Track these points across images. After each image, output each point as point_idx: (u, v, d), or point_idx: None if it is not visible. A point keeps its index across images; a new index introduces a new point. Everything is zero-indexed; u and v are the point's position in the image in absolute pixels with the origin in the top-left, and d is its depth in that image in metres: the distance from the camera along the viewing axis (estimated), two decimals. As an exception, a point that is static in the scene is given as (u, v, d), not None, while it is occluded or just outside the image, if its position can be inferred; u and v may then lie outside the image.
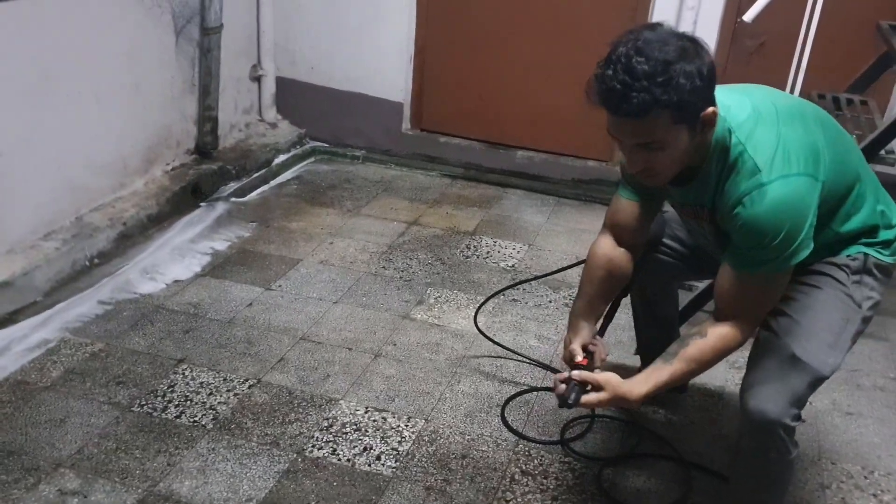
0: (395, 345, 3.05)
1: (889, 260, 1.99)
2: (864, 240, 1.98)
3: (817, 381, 1.90)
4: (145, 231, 3.74)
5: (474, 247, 3.86)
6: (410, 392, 2.80)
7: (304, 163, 4.74)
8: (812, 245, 1.81)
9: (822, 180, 1.80)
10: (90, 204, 3.66)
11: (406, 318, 3.22)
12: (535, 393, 2.83)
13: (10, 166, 3.19)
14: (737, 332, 1.88)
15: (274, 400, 2.72)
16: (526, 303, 3.39)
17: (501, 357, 3.01)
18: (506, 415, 2.71)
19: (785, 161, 1.76)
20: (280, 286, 3.40)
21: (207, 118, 4.32)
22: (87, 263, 3.44)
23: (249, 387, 2.77)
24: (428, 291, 3.43)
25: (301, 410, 2.68)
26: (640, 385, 1.92)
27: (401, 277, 3.53)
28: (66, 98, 3.41)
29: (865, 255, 1.97)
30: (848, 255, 1.97)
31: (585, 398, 1.95)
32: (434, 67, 4.68)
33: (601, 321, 2.28)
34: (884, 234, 1.99)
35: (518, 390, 2.83)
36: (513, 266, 3.69)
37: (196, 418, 2.61)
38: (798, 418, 1.89)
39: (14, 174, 3.22)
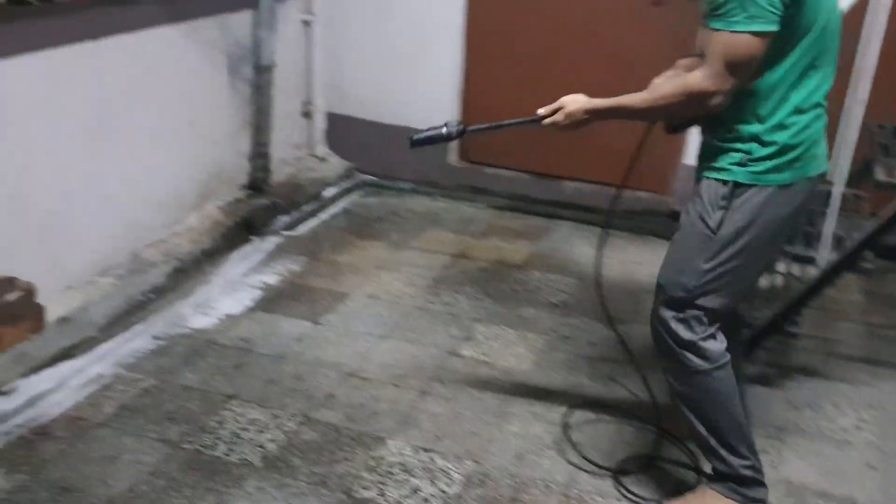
0: (442, 382, 3.03)
1: (749, 180, 2.08)
2: (741, 147, 2.08)
3: (672, 301, 2.20)
4: (199, 266, 3.80)
5: (523, 281, 3.83)
6: (459, 432, 2.77)
7: (352, 196, 4.79)
8: (754, 24, 1.90)
9: None
10: (146, 240, 3.75)
11: (454, 355, 3.21)
12: (596, 416, 2.78)
13: (70, 204, 3.29)
14: (696, 74, 2.02)
15: (322, 438, 2.72)
16: (578, 340, 3.35)
17: (552, 390, 2.97)
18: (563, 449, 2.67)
19: None
20: (328, 320, 3.42)
21: (260, 154, 4.40)
22: (142, 298, 3.50)
23: (298, 424, 2.78)
24: (476, 327, 3.41)
25: (348, 449, 2.67)
26: (593, 99, 2.22)
27: (448, 312, 3.52)
28: (123, 137, 3.50)
29: (726, 181, 2.10)
30: (716, 177, 2.12)
31: (544, 109, 2.29)
32: (481, 100, 4.69)
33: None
34: (759, 149, 2.07)
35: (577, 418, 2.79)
36: (563, 301, 3.65)
37: (245, 456, 2.62)
38: (675, 332, 2.20)
39: (74, 212, 3.31)
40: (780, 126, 2.05)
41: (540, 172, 4.72)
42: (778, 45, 1.97)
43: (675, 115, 2.18)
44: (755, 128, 2.06)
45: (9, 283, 2.96)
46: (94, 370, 3.02)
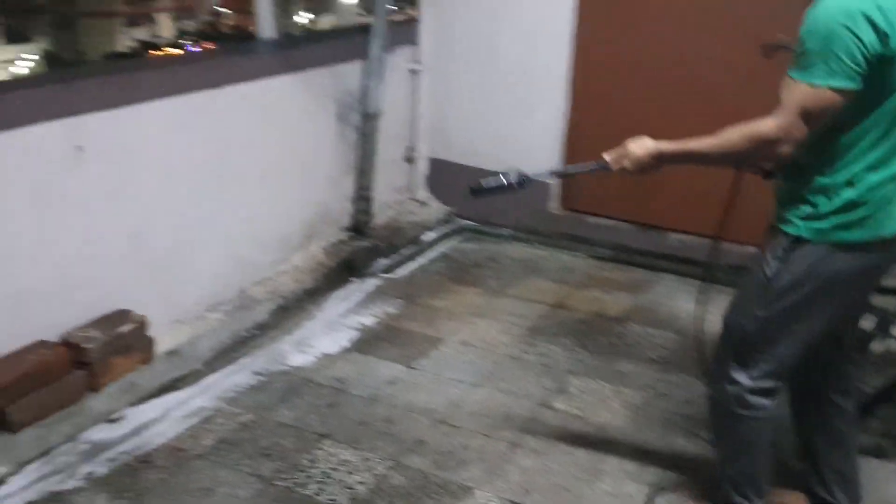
0: (533, 435, 2.99)
1: (811, 236, 2.06)
2: (809, 198, 2.05)
3: (732, 341, 2.23)
4: (301, 304, 3.91)
5: (622, 334, 3.76)
6: (548, 486, 2.72)
7: (452, 241, 4.83)
8: (833, 79, 1.87)
9: (874, 5, 1.84)
10: (253, 277, 3.89)
11: (546, 407, 3.16)
12: (689, 479, 2.68)
13: (185, 243, 3.46)
14: (767, 121, 1.98)
15: (410, 483, 2.72)
16: (676, 398, 3.25)
17: (646, 449, 2.88)
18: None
19: None
20: (422, 365, 3.44)
21: (363, 197, 4.52)
22: (246, 334, 3.63)
23: (387, 468, 2.80)
24: (570, 380, 3.36)
25: (436, 497, 2.66)
26: (660, 142, 2.20)
27: (542, 363, 3.48)
28: (237, 179, 3.67)
29: (790, 234, 2.09)
30: (781, 227, 2.12)
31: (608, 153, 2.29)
32: (584, 148, 4.66)
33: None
34: (826, 203, 2.03)
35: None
36: (662, 357, 3.56)
37: (334, 497, 2.65)
38: (728, 371, 2.23)
39: (188, 250, 3.48)
40: (849, 182, 2.02)
41: (643, 223, 4.64)
42: (859, 103, 1.93)
43: (744, 160, 2.18)
44: (825, 180, 2.03)
45: (123, 315, 3.13)
46: (196, 403, 3.14)
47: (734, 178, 2.33)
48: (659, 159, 2.22)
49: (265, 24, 4.17)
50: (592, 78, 4.56)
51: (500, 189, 2.52)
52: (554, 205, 4.84)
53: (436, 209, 5.08)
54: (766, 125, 1.98)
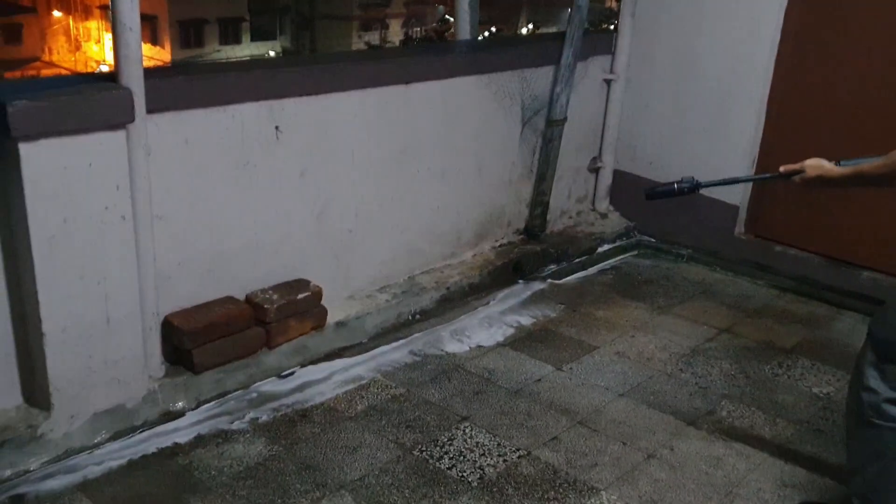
0: (672, 450, 2.94)
1: None
2: None
3: (875, 347, 2.21)
4: (464, 297, 4.08)
5: (787, 365, 3.57)
6: (676, 501, 2.67)
7: (627, 255, 4.79)
8: None
9: None
10: (423, 267, 4.11)
11: (691, 426, 3.09)
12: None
13: (364, 226, 3.73)
14: None
15: (538, 474, 2.78)
16: (832, 437, 3.05)
17: (789, 482, 2.75)
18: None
19: None
20: (571, 368, 3.48)
21: (539, 203, 4.61)
22: (410, 317, 3.85)
23: (519, 457, 2.87)
24: (722, 403, 3.26)
25: (561, 491, 2.70)
26: (834, 168, 2.37)
27: (696, 383, 3.40)
28: (416, 172, 3.90)
29: None
30: None
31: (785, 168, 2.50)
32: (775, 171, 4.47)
33: None
34: None
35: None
36: (827, 394, 3.35)
37: (464, 474, 2.77)
38: (867, 376, 2.21)
39: (366, 233, 3.75)
40: None
41: (834, 257, 4.35)
42: None
43: None
44: None
45: (303, 284, 3.44)
46: (356, 371, 3.39)
47: None
48: (824, 183, 2.46)
49: (464, 27, 4.40)
50: (791, 104, 4.35)
51: (671, 193, 2.69)
52: (739, 229, 4.67)
53: (616, 221, 5.06)
54: None
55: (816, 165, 2.46)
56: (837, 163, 2.47)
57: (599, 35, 4.90)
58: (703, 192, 4.53)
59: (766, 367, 3.56)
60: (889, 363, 2.21)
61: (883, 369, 2.23)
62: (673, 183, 2.69)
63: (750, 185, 4.55)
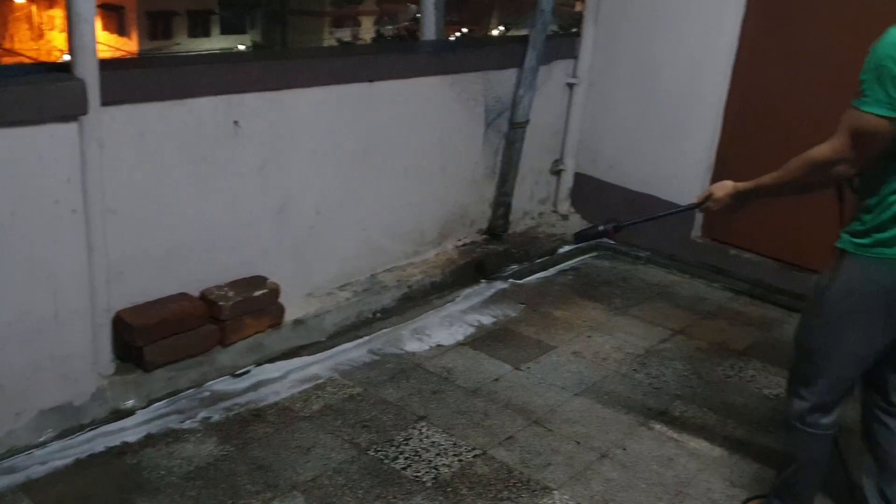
0: (624, 449, 2.97)
1: (853, 250, 2.18)
2: (860, 215, 2.17)
3: (799, 355, 2.36)
4: (426, 296, 4.07)
5: (739, 367, 3.63)
6: (627, 500, 2.70)
7: (587, 256, 4.83)
8: (878, 108, 2.00)
9: None
10: (385, 265, 4.10)
11: (643, 426, 3.12)
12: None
13: (325, 223, 3.71)
14: (822, 145, 2.17)
15: (493, 474, 2.79)
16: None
17: (737, 482, 2.79)
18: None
19: None
20: (529, 368, 3.50)
21: (502, 203, 4.63)
22: (371, 316, 3.84)
23: (474, 456, 2.88)
24: (675, 404, 3.29)
25: (515, 490, 2.71)
26: (738, 183, 2.48)
27: (650, 384, 3.43)
28: (379, 170, 3.89)
29: (838, 247, 2.22)
30: (837, 242, 2.23)
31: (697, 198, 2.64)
32: (733, 179, 4.53)
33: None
34: (869, 220, 2.14)
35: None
36: (777, 395, 3.40)
37: (419, 474, 2.77)
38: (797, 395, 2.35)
39: (327, 230, 3.73)
40: (892, 201, 2.11)
41: (787, 261, 4.43)
42: None
43: (808, 184, 2.31)
44: (871, 200, 2.15)
45: (260, 281, 3.41)
46: (313, 370, 3.37)
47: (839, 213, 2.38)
48: (737, 198, 2.53)
49: (429, 27, 4.40)
50: (747, 111, 4.42)
51: (597, 235, 2.95)
52: (696, 232, 4.73)
53: (576, 223, 5.09)
54: (820, 149, 2.17)
55: (721, 186, 2.58)
56: None
57: (563, 39, 4.94)
58: (660, 196, 4.71)
59: (719, 368, 3.61)
60: (808, 365, 2.32)
61: (805, 375, 2.33)
62: (598, 225, 2.91)
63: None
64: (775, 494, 2.52)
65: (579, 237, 2.97)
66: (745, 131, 4.44)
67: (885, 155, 2.11)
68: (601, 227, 2.87)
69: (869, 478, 2.53)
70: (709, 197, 2.61)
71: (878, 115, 2.02)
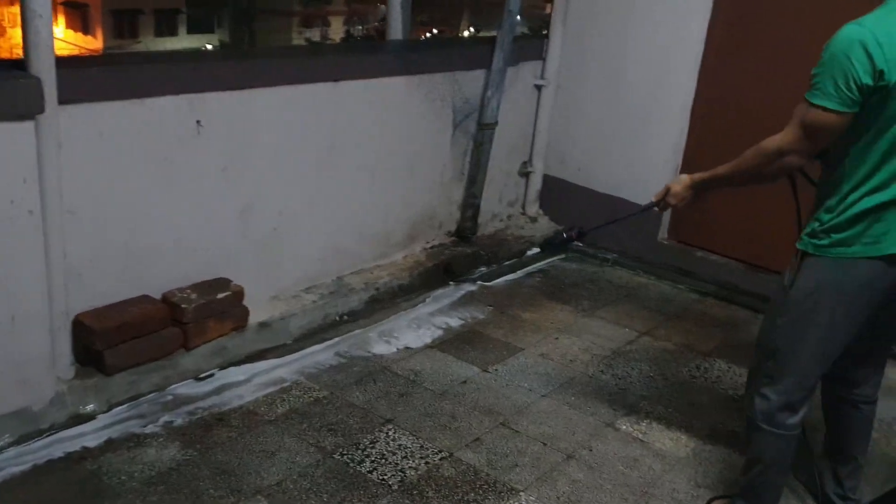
0: (590, 450, 2.97)
1: (813, 251, 2.21)
2: (818, 216, 2.20)
3: (758, 350, 2.42)
4: (394, 298, 4.05)
5: (705, 368, 3.65)
6: (593, 501, 2.70)
7: (555, 258, 4.82)
8: (827, 101, 2.04)
9: (874, 40, 1.97)
10: (351, 267, 4.07)
11: (610, 427, 3.13)
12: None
13: (290, 224, 3.67)
14: (774, 136, 2.22)
15: (459, 476, 2.77)
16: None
17: (702, 482, 2.80)
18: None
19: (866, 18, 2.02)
20: (496, 370, 3.49)
21: (470, 205, 4.61)
22: (337, 318, 3.81)
23: (441, 459, 2.86)
24: (641, 404, 3.31)
25: (481, 492, 2.70)
26: (694, 175, 2.53)
27: (616, 385, 3.44)
28: (345, 171, 3.86)
29: (798, 248, 2.26)
30: (798, 242, 2.27)
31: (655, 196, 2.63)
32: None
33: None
34: (828, 219, 2.17)
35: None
36: (742, 396, 3.42)
37: (385, 477, 2.74)
38: (755, 380, 2.41)
39: (292, 232, 3.69)
40: (849, 204, 2.14)
41: (752, 262, 4.48)
42: (858, 129, 2.08)
43: (762, 175, 2.32)
44: (830, 202, 2.18)
45: (223, 283, 3.36)
46: (278, 373, 3.33)
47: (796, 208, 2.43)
48: (694, 188, 2.55)
49: (395, 27, 4.38)
50: (715, 112, 4.46)
51: (563, 241, 3.12)
52: (663, 234, 4.76)
53: (545, 225, 5.10)
54: (772, 139, 2.23)
55: (677, 181, 2.61)
56: None
57: (531, 41, 4.95)
58: (628, 198, 4.73)
59: (685, 369, 3.63)
60: (773, 364, 2.35)
61: (770, 374, 2.35)
62: (562, 232, 3.10)
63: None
64: (740, 495, 2.54)
65: (545, 246, 3.11)
66: (713, 132, 4.48)
67: (841, 154, 2.15)
68: (564, 235, 3.01)
69: (824, 459, 2.64)
70: (667, 192, 2.62)
71: (825, 109, 2.06)
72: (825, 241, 2.19)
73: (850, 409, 2.55)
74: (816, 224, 2.21)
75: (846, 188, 2.15)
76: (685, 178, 2.57)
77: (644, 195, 4.73)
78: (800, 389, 2.33)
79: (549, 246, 3.16)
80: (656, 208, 2.72)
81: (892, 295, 2.25)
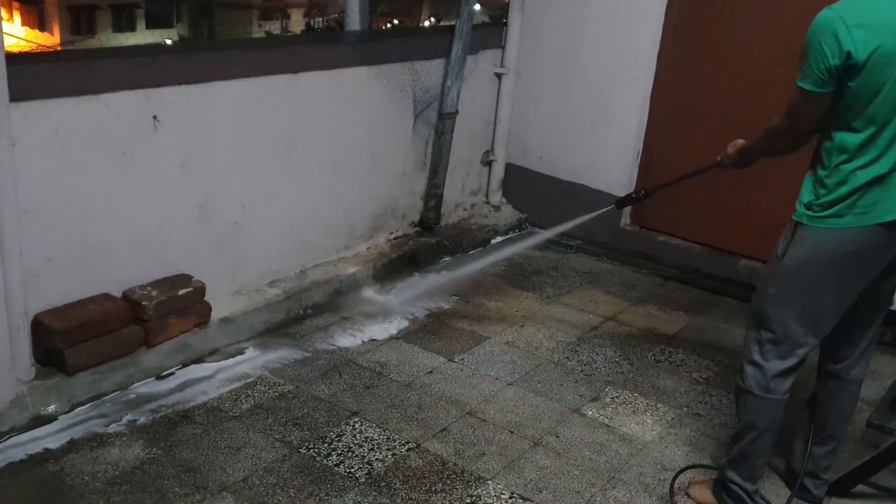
0: (557, 437, 3.00)
1: (807, 222, 2.30)
2: (811, 188, 2.30)
3: (752, 318, 2.45)
4: (358, 291, 4.03)
5: (669, 352, 3.70)
6: (560, 488, 2.72)
7: (519, 246, 4.82)
8: (804, 83, 2.19)
9: (843, 24, 2.09)
10: (315, 260, 4.05)
11: (576, 413, 3.16)
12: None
13: (251, 218, 3.64)
14: (775, 115, 2.40)
15: (427, 467, 2.78)
16: (711, 420, 3.18)
17: (668, 465, 2.84)
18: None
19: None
20: (462, 360, 3.50)
21: (433, 195, 4.61)
22: (301, 312, 3.79)
23: (408, 450, 2.87)
24: (606, 390, 3.34)
25: (449, 482, 2.71)
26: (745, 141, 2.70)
27: (582, 371, 3.48)
28: (305, 163, 3.83)
29: (793, 218, 2.34)
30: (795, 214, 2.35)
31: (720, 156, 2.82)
32: (661, 166, 4.62)
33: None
34: (821, 192, 2.27)
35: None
36: (706, 379, 3.48)
37: (352, 470, 2.74)
38: (749, 348, 2.45)
39: (253, 226, 3.66)
40: (842, 178, 2.23)
41: (714, 245, 4.54)
42: (843, 107, 2.20)
43: (777, 149, 2.48)
44: (822, 173, 2.28)
45: (184, 279, 3.32)
46: (242, 369, 3.30)
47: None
48: (739, 152, 2.71)
49: (353, 17, 4.35)
50: (674, 99, 4.50)
51: (634, 200, 3.43)
52: (625, 220, 4.80)
53: (508, 214, 5.12)
54: (773, 120, 2.40)
55: (732, 144, 2.76)
56: None
57: (489, 29, 4.94)
58: (591, 185, 4.76)
59: (649, 353, 3.67)
60: (766, 332, 2.40)
61: (763, 342, 2.41)
62: (632, 193, 3.47)
63: (635, 177, 4.68)
64: (729, 465, 2.56)
65: (620, 203, 3.44)
66: (672, 118, 4.53)
67: (833, 129, 2.25)
68: (634, 195, 3.37)
69: (798, 440, 2.68)
70: (726, 154, 2.78)
71: (806, 90, 2.20)
72: (820, 213, 2.26)
73: (838, 387, 2.58)
74: (811, 196, 2.29)
75: (836, 160, 2.24)
76: (739, 142, 2.72)
77: (606, 181, 4.81)
78: (791, 356, 2.39)
79: (623, 204, 3.45)
80: (719, 167, 2.86)
81: (886, 264, 2.32)
